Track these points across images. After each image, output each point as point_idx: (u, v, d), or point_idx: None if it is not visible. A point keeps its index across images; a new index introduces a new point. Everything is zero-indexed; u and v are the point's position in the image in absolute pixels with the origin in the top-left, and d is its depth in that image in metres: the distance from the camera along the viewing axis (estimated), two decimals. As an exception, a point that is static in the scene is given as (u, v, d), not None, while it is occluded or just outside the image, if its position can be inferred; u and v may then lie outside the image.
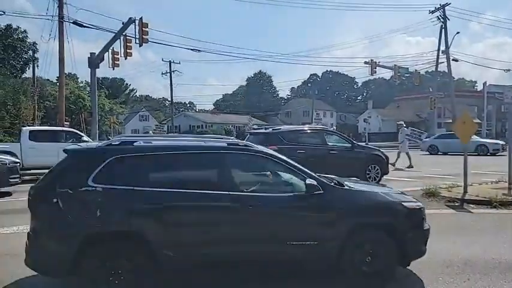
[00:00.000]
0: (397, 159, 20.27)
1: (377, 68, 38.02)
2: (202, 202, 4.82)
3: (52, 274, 4.78)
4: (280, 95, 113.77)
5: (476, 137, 28.05)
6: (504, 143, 27.42)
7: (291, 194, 5.12)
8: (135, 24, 22.49)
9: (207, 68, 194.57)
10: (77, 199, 4.57)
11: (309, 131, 15.10)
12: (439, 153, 30.26)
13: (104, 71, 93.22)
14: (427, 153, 30.62)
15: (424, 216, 5.49)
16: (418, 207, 5.47)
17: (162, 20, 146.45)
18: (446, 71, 43.20)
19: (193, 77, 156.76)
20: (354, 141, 15.67)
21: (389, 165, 15.51)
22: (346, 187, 5.45)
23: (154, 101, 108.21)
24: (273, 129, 14.56)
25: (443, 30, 41.42)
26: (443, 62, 42.88)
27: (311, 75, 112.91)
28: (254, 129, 28.80)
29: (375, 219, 5.37)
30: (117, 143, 5.02)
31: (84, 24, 24.28)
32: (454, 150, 26.30)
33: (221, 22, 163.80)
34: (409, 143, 22.95)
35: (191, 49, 32.40)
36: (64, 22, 24.90)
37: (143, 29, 22.34)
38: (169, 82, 55.47)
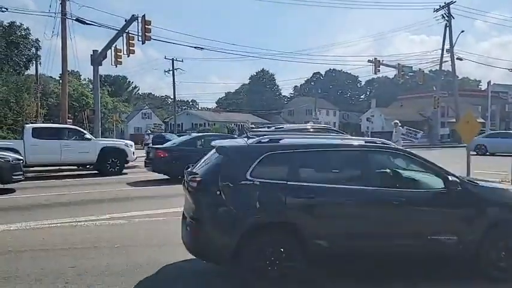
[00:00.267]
0: None
1: (381, 66, 38.01)
2: (349, 197, 5.12)
3: (215, 261, 5.12)
4: (283, 94, 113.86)
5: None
6: None
7: (432, 190, 5.37)
8: (137, 22, 22.57)
9: (210, 66, 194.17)
10: (238, 192, 4.89)
11: (312, 130, 15.08)
12: (487, 153, 27.73)
13: (106, 68, 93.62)
14: (474, 153, 26.55)
15: None
16: None
17: (165, 18, 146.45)
18: (451, 70, 43.14)
19: (196, 75, 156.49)
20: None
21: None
22: (480, 184, 5.70)
23: (157, 98, 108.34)
24: (275, 128, 14.55)
25: (447, 28, 41.32)
26: (447, 61, 42.80)
27: (314, 73, 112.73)
28: (251, 128, 28.89)
29: (510, 215, 5.55)
30: (266, 140, 5.34)
31: (87, 22, 24.35)
32: (505, 151, 25.12)
33: (224, 20, 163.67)
34: (404, 142, 23.02)
35: (194, 47, 32.48)
36: (67, 19, 24.93)
37: (146, 26, 22.38)
38: (172, 80, 55.66)
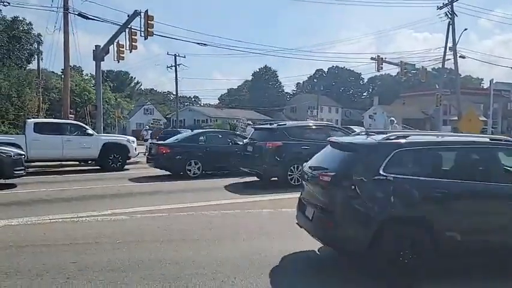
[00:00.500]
0: None
1: (383, 64, 37.84)
2: (479, 192, 5.30)
3: (349, 251, 5.34)
4: (285, 90, 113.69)
5: None
6: None
7: None
8: (140, 17, 22.43)
9: (213, 62, 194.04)
10: (372, 186, 5.12)
11: (313, 127, 15.06)
12: None
13: (108, 63, 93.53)
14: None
15: None
16: None
17: (168, 13, 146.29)
18: (453, 68, 42.92)
19: (199, 71, 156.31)
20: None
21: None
22: None
23: (159, 94, 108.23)
24: (278, 125, 14.54)
25: (450, 26, 41.11)
26: (450, 59, 42.54)
27: (317, 70, 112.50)
28: (247, 125, 29.06)
29: None
30: (393, 137, 5.54)
31: (89, 16, 24.22)
32: None
33: (227, 16, 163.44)
34: None
35: (197, 43, 32.23)
36: (69, 14, 24.85)
37: (148, 21, 22.27)
38: (174, 76, 55.56)
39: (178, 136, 18.66)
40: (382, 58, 37.68)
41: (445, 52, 43.20)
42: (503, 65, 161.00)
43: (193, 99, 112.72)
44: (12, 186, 12.98)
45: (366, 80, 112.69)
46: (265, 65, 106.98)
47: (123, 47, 23.38)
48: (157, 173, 16.23)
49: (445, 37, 42.49)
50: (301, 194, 6.33)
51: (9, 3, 24.70)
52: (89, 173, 17.41)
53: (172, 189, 12.99)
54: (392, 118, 24.12)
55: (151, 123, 55.30)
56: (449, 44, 41.88)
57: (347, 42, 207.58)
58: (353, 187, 5.03)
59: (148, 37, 22.69)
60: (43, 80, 40.69)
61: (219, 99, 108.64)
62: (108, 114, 49.31)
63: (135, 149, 19.72)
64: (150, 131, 32.30)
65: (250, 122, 33.55)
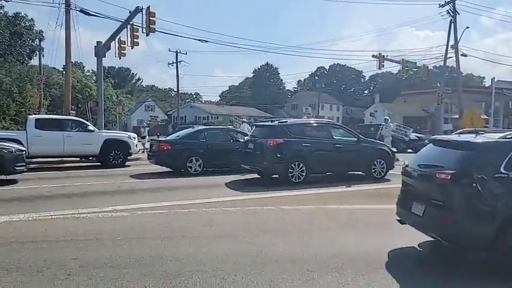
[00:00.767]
0: None
1: (385, 62, 37.78)
2: None
3: (468, 247, 5.41)
4: (286, 88, 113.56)
5: None
6: None
7: None
8: (142, 13, 22.40)
9: (214, 59, 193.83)
10: (493, 184, 5.21)
11: (314, 125, 15.03)
12: None
13: (110, 60, 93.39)
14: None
15: None
16: None
17: (169, 10, 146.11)
18: (455, 66, 42.83)
19: (200, 68, 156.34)
20: (360, 135, 15.57)
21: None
22: None
23: (161, 91, 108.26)
24: (279, 122, 14.53)
25: (452, 24, 41.02)
26: (451, 57, 42.46)
27: (318, 68, 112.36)
28: (242, 122, 29.20)
29: None
30: (511, 136, 5.57)
31: (90, 13, 24.20)
32: None
33: (228, 13, 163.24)
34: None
35: (198, 40, 32.18)
36: (71, 10, 24.85)
37: (150, 18, 22.24)
38: (175, 72, 55.58)
39: (179, 133, 18.66)
40: (383, 56, 37.62)
41: (446, 50, 43.10)
42: (505, 63, 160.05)
43: (194, 96, 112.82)
44: (13, 182, 12.99)
45: (367, 78, 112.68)
46: (267, 62, 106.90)
47: (124, 44, 23.36)
48: (158, 170, 16.23)
49: (447, 35, 42.40)
50: (402, 192, 6.55)
51: (11, -1, 24.66)
52: (89, 170, 17.43)
53: (173, 186, 12.99)
54: (387, 117, 24.37)
55: (149, 121, 55.41)
56: (451, 42, 41.81)
57: (348, 40, 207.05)
58: (474, 185, 5.12)
59: (150, 34, 22.69)
60: (44, 76, 40.69)
61: (220, 96, 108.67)
62: (110, 111, 49.31)
63: (136, 145, 19.73)
64: (147, 128, 32.36)
65: (245, 119, 33.67)
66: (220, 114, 72.99)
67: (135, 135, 20.66)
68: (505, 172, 5.15)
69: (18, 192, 11.56)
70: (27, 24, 43.41)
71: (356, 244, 6.66)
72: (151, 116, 62.52)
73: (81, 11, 24.33)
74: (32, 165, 16.32)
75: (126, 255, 5.89)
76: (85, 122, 19.75)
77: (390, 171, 14.60)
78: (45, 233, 7.10)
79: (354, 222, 8.28)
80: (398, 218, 6.42)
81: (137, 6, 22.43)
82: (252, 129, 24.06)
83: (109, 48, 24.02)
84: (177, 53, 54.77)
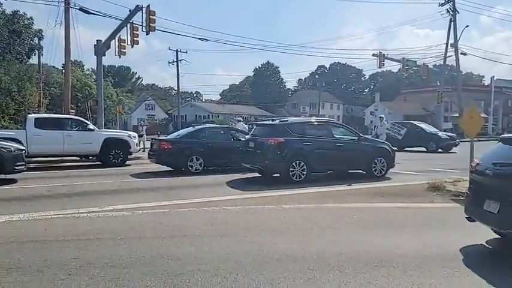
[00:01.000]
0: None
1: (385, 60, 37.83)
2: None
3: None
4: (287, 86, 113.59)
5: None
6: None
7: None
8: (142, 12, 22.42)
9: (214, 58, 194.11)
10: None
11: (315, 123, 15.02)
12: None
13: (110, 59, 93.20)
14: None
15: None
16: None
17: (169, 9, 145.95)
18: (455, 64, 42.86)
19: (200, 66, 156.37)
20: (361, 134, 15.55)
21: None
22: None
23: (161, 90, 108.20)
24: (280, 121, 14.51)
25: (452, 23, 41.02)
26: (451, 56, 42.57)
27: (319, 66, 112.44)
28: (238, 121, 29.37)
29: None
30: None
31: (90, 11, 24.19)
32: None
33: (229, 12, 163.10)
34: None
35: (199, 38, 32.20)
36: (70, 8, 24.81)
37: (150, 16, 22.23)
38: (176, 71, 55.54)
39: (180, 132, 18.63)
40: (383, 55, 37.72)
41: (446, 49, 43.22)
42: (505, 62, 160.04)
43: (194, 94, 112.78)
44: (12, 181, 12.96)
45: (367, 77, 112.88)
46: (267, 61, 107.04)
47: (124, 42, 23.37)
48: (159, 169, 16.20)
49: (447, 34, 42.52)
50: (472, 190, 6.68)
51: (10, -3, 24.62)
52: (90, 169, 17.40)
53: (173, 185, 12.96)
54: (382, 116, 24.77)
55: (146, 119, 55.49)
56: (451, 41, 41.89)
57: (349, 39, 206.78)
58: None
59: (150, 32, 22.67)
60: (44, 74, 40.59)
61: (220, 95, 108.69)
62: (110, 110, 49.28)
63: (136, 144, 19.70)
64: (145, 127, 32.40)
65: (240, 118, 33.89)
66: (220, 113, 73.01)
67: (136, 134, 20.64)
68: None
69: (17, 191, 11.53)
70: (26, 22, 43.30)
71: (357, 242, 6.63)
72: (148, 115, 62.63)
73: (81, 9, 24.32)
74: (31, 165, 16.31)
75: (126, 254, 5.86)
76: (85, 121, 19.72)
77: (391, 170, 14.61)
78: (45, 233, 7.07)
79: (355, 221, 8.25)
80: (467, 216, 6.50)
81: (137, 5, 22.43)
82: (247, 127, 24.22)
83: (109, 47, 24.01)
84: (177, 51, 54.80)
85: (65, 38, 25.15)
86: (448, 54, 43.40)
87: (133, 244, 6.41)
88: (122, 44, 23.46)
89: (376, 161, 14.28)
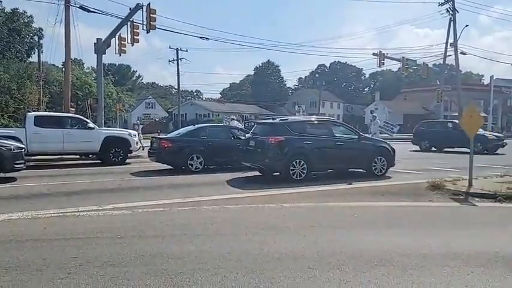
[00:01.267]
0: None
1: (385, 59, 37.85)
2: None
3: None
4: (287, 85, 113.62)
5: None
6: None
7: None
8: (142, 10, 22.40)
9: (215, 57, 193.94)
10: None
11: (315, 122, 15.02)
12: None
13: (110, 57, 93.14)
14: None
15: None
16: None
17: (170, 7, 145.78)
18: (454, 64, 42.89)
19: (201, 65, 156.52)
20: (361, 133, 15.54)
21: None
22: None
23: (161, 88, 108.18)
24: (280, 120, 14.52)
25: (452, 22, 41.03)
26: (451, 55, 42.62)
27: (319, 65, 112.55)
28: (232, 120, 29.52)
29: None
30: None
31: (90, 9, 24.18)
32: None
33: (229, 11, 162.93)
34: (382, 134, 24.27)
35: (199, 37, 32.24)
36: (70, 6, 24.77)
37: (151, 15, 22.22)
38: (176, 70, 55.52)
39: (180, 130, 18.61)
40: (383, 54, 37.73)
41: (446, 48, 43.26)
42: (504, 61, 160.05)
43: (195, 93, 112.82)
44: (12, 180, 12.94)
45: (367, 76, 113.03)
46: (268, 60, 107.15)
47: (124, 41, 23.36)
48: (159, 168, 16.18)
49: (446, 33, 42.55)
50: None
51: (9, -5, 24.58)
52: (89, 167, 17.38)
53: (174, 184, 12.94)
54: (375, 114, 25.22)
55: (143, 119, 55.50)
56: (450, 40, 41.93)
57: (349, 38, 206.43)
58: None
59: (151, 31, 22.65)
60: (43, 73, 40.56)
61: (221, 93, 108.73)
62: (110, 108, 49.26)
63: (137, 142, 19.69)
64: (141, 126, 32.42)
65: (234, 117, 34.11)
66: (221, 111, 72.97)
67: (136, 133, 20.64)
68: None
69: (17, 190, 11.50)
70: (26, 20, 43.28)
71: (357, 241, 6.61)
72: (144, 114, 62.60)
73: (81, 7, 24.30)
74: (31, 163, 16.28)
75: (126, 253, 5.84)
76: (85, 119, 19.71)
77: (391, 169, 14.61)
78: (45, 231, 7.05)
79: (355, 220, 8.23)
80: None
81: (137, 3, 22.40)
82: (242, 126, 24.38)
83: (109, 45, 24.00)
84: (177, 50, 54.80)
85: (65, 36, 25.12)
86: (447, 53, 43.46)
87: (133, 243, 6.40)
88: (122, 42, 23.45)
89: (376, 159, 14.27)
